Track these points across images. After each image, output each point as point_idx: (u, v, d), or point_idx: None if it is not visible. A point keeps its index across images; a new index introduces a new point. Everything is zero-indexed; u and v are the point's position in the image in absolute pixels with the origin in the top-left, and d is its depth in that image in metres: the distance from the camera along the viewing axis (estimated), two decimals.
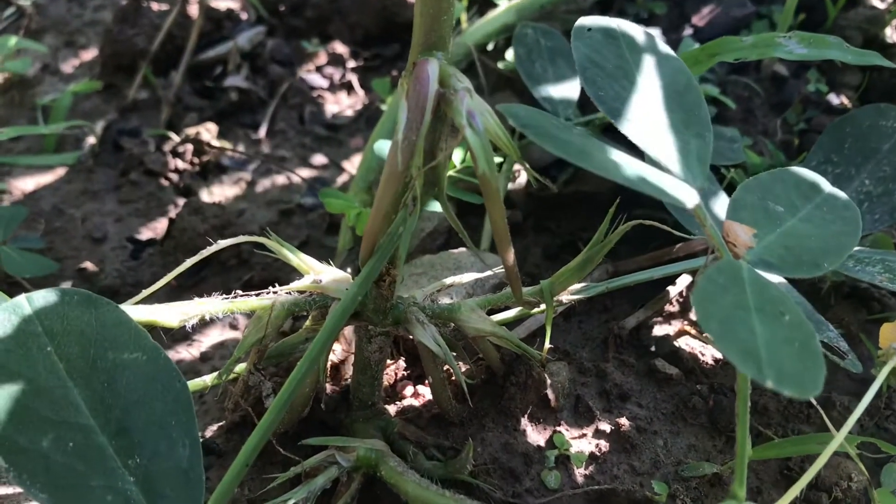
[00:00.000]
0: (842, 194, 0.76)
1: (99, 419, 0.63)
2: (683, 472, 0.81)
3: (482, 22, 1.13)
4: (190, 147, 1.12)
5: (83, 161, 1.14)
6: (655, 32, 1.17)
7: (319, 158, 1.16)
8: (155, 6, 1.26)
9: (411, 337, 0.81)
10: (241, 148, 1.16)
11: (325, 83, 1.25)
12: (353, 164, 1.15)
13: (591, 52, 0.71)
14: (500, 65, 1.14)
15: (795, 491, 0.64)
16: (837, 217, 0.74)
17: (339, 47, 1.29)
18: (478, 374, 0.83)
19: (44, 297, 0.65)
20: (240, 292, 0.75)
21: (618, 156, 0.61)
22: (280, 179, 1.12)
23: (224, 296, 0.75)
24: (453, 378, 0.83)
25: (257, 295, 0.75)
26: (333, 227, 1.05)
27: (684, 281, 0.97)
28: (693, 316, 0.96)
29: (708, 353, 0.92)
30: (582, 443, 0.82)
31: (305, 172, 1.13)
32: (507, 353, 0.83)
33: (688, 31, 1.18)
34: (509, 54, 1.14)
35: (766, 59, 1.17)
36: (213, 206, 1.02)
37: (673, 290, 0.96)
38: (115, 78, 1.25)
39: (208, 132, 1.14)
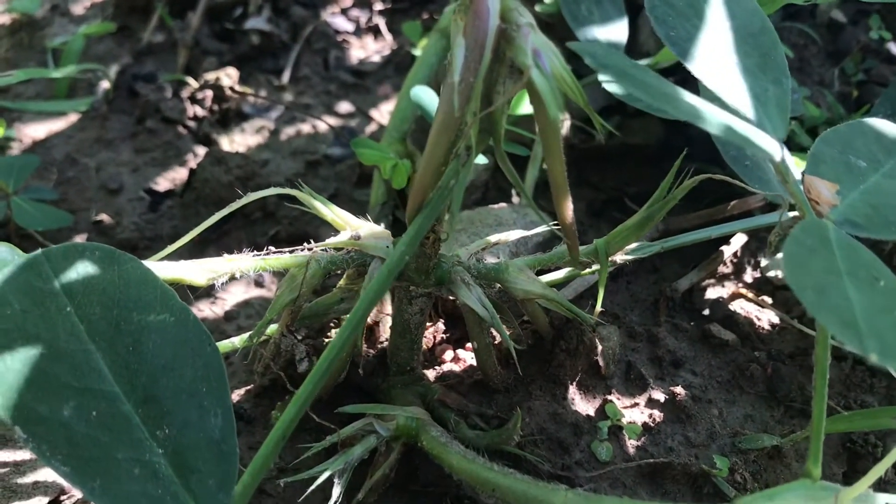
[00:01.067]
0: None
1: (124, 386, 0.58)
2: (741, 444, 0.77)
3: None
4: (210, 93, 1.06)
5: (97, 107, 1.07)
6: None
7: (345, 106, 1.09)
8: None
9: (453, 298, 0.76)
10: (263, 94, 1.10)
11: (350, 26, 1.18)
12: (381, 113, 1.09)
13: None
14: (538, 8, 1.07)
15: (881, 470, 0.58)
16: None
17: None
18: (524, 339, 0.78)
19: (62, 252, 0.59)
20: (272, 248, 0.69)
21: (699, 102, 0.54)
22: (305, 128, 1.06)
23: (254, 252, 0.69)
24: (498, 342, 0.77)
25: (291, 252, 0.69)
26: (363, 180, 0.99)
27: (739, 241, 0.91)
28: (748, 278, 0.90)
29: (764, 318, 0.86)
30: (634, 412, 0.77)
31: (331, 121, 1.07)
32: (556, 317, 0.77)
33: None
34: None
35: (823, 5, 1.10)
36: (236, 155, 0.95)
37: (727, 251, 0.90)
38: (129, 20, 1.18)
39: (229, 77, 1.07)
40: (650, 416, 0.77)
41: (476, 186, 0.94)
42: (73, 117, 1.08)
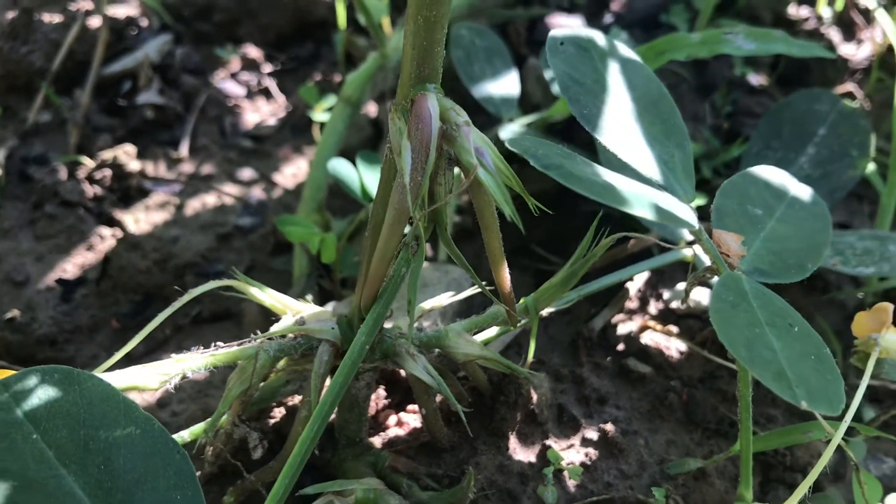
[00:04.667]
0: (808, 189, 0.79)
1: None
2: (669, 470, 0.83)
3: None
4: (108, 172, 1.04)
5: None
6: (578, 20, 1.17)
7: (248, 173, 1.10)
8: (46, 18, 1.15)
9: (396, 369, 0.79)
10: (162, 168, 1.09)
11: (241, 91, 1.19)
12: (284, 177, 1.10)
13: (568, 68, 0.70)
14: None
15: (803, 489, 0.66)
16: (809, 214, 0.76)
17: (253, 51, 1.22)
18: (465, 398, 0.82)
19: (20, 380, 0.59)
20: (221, 344, 0.71)
21: (630, 187, 0.60)
22: (210, 200, 1.06)
23: (201, 349, 0.70)
24: (441, 401, 0.81)
25: (239, 345, 0.71)
26: (279, 248, 1.00)
27: (641, 277, 0.98)
28: (653, 310, 0.97)
29: (672, 347, 0.93)
30: (571, 453, 0.82)
31: (236, 190, 1.08)
32: (492, 373, 0.82)
33: (609, 18, 1.19)
34: None
35: None
36: (151, 238, 0.95)
37: (632, 287, 0.97)
38: (10, 100, 1.14)
39: (126, 154, 1.06)
40: (586, 454, 0.82)
41: None
42: None
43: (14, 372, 0.63)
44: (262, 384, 0.77)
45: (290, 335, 0.72)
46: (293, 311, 0.74)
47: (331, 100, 1.11)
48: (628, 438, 0.84)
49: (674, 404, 0.88)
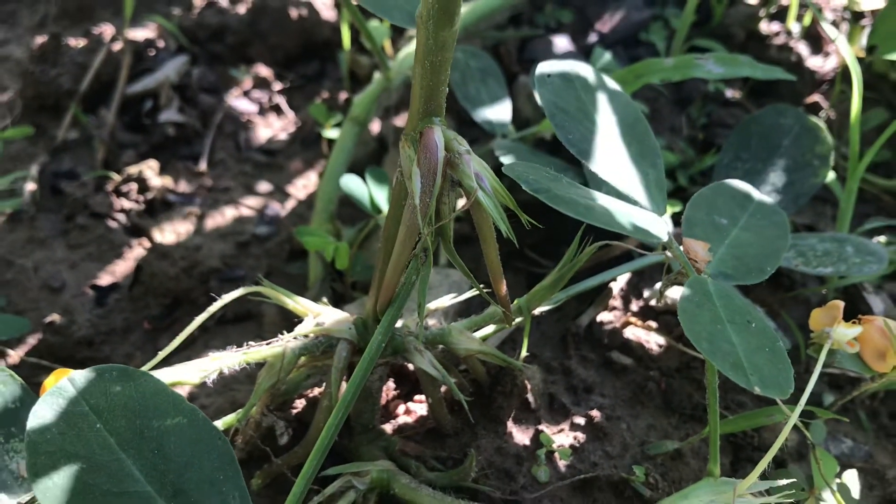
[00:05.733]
0: (769, 200, 0.88)
1: (155, 485, 0.67)
2: (649, 451, 0.93)
3: (412, 48, 1.19)
4: (134, 185, 1.14)
5: (25, 209, 1.13)
6: (565, 39, 1.27)
7: (263, 185, 1.20)
8: (72, 42, 1.25)
9: (405, 363, 0.89)
10: (184, 182, 1.18)
11: (254, 108, 1.28)
12: (296, 188, 1.20)
13: (554, 97, 0.80)
14: None
15: (762, 465, 0.75)
16: (770, 222, 0.86)
17: (263, 70, 1.32)
18: (466, 388, 0.91)
19: (85, 376, 0.68)
20: (252, 343, 0.80)
21: (608, 205, 0.69)
22: (229, 211, 1.16)
23: (235, 348, 0.80)
24: (445, 391, 0.90)
25: (268, 344, 0.80)
26: (294, 255, 1.10)
27: (624, 277, 1.07)
28: (634, 307, 1.07)
29: (652, 341, 1.03)
30: (561, 437, 0.92)
31: (252, 201, 1.17)
32: (490, 366, 0.91)
33: (593, 36, 1.28)
34: None
35: None
36: (178, 247, 1.04)
37: (615, 286, 1.07)
38: (40, 119, 1.24)
39: (151, 169, 1.15)
40: (574, 437, 0.92)
41: None
42: None
43: (64, 370, 0.73)
44: (287, 379, 0.86)
45: (312, 335, 0.82)
46: (314, 313, 0.84)
47: (338, 117, 1.21)
48: (612, 423, 0.94)
49: (653, 392, 0.98)
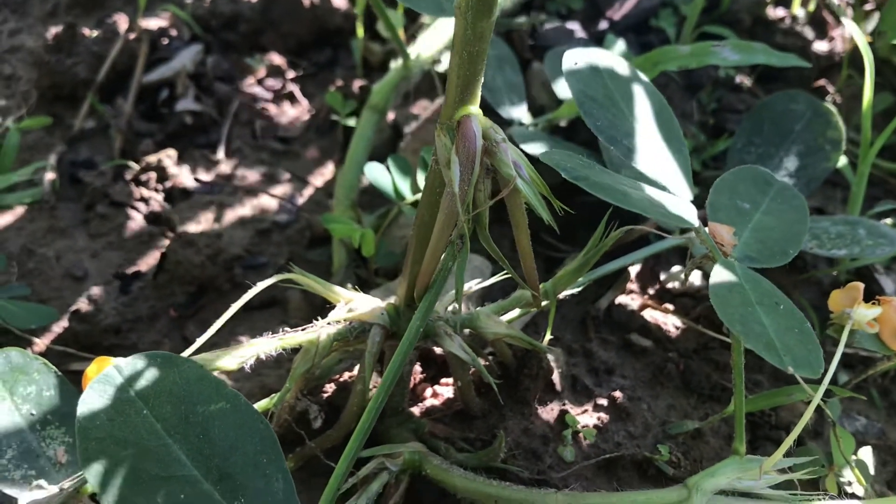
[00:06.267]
0: (788, 184, 0.90)
1: (201, 469, 0.69)
2: (670, 431, 0.95)
3: (428, 36, 1.20)
4: (153, 174, 1.15)
5: (46, 198, 1.14)
6: (575, 26, 1.28)
7: (280, 173, 1.21)
8: (86, 32, 1.25)
9: (434, 347, 0.90)
10: (202, 170, 1.19)
11: (268, 95, 1.29)
12: (314, 176, 1.21)
13: (583, 86, 0.81)
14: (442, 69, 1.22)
15: (788, 444, 0.77)
16: (789, 206, 0.88)
17: (276, 58, 1.32)
18: (494, 371, 0.93)
19: (130, 364, 0.70)
20: (287, 329, 0.82)
21: (643, 193, 0.71)
22: (248, 199, 1.17)
23: (271, 334, 0.81)
24: (472, 372, 0.92)
25: (303, 330, 0.82)
26: (315, 242, 1.11)
27: (641, 261, 1.09)
28: (651, 290, 1.09)
29: (670, 323, 1.05)
30: (585, 417, 0.94)
31: (271, 189, 1.18)
32: (516, 349, 0.93)
33: (604, 23, 1.30)
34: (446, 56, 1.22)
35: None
36: (202, 236, 1.06)
37: (632, 270, 1.08)
38: (56, 108, 1.24)
39: (169, 158, 1.16)
40: (598, 418, 0.94)
41: None
42: (18, 210, 1.14)
43: (105, 358, 0.74)
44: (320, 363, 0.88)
45: (345, 321, 0.83)
46: (345, 299, 0.85)
47: (353, 105, 1.22)
48: (634, 404, 0.96)
49: (672, 373, 1.00)
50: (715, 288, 0.73)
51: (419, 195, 0.99)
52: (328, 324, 0.83)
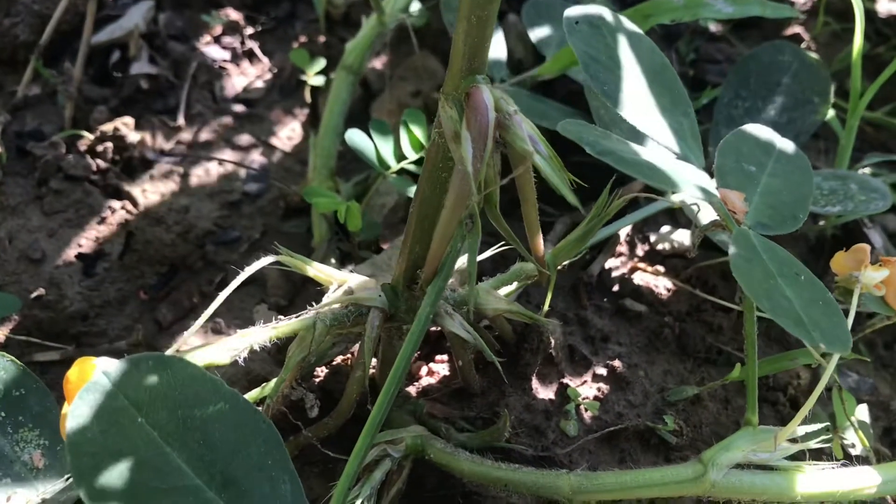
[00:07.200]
0: (790, 144, 0.87)
1: (203, 477, 0.64)
2: (669, 398, 0.93)
3: None
4: (109, 145, 1.06)
5: None
6: None
7: (245, 138, 1.13)
8: None
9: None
10: (161, 138, 1.11)
11: (227, 55, 1.21)
12: (280, 140, 1.14)
13: (586, 46, 0.76)
14: (412, 20, 1.14)
15: (804, 413, 0.75)
16: (794, 167, 0.85)
17: (233, 13, 1.24)
18: (494, 346, 0.89)
19: (119, 367, 0.64)
20: (282, 317, 0.76)
21: (662, 162, 0.67)
22: (213, 167, 1.09)
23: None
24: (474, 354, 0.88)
25: (297, 317, 0.77)
26: (290, 213, 1.05)
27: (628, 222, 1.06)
28: (640, 252, 1.06)
29: (661, 285, 1.02)
30: (584, 388, 0.91)
31: (236, 156, 1.11)
32: (516, 324, 0.90)
33: None
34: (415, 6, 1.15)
35: None
36: (171, 211, 0.99)
37: (622, 233, 1.05)
38: None
39: (125, 126, 1.08)
40: (598, 388, 0.91)
41: (400, 206, 1.03)
42: None
43: (86, 359, 0.68)
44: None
45: (340, 304, 0.78)
46: (338, 281, 0.80)
47: (320, 62, 1.14)
48: (631, 371, 0.94)
49: (667, 337, 0.97)
50: (736, 260, 0.69)
51: (403, 163, 0.94)
52: (323, 308, 0.78)
